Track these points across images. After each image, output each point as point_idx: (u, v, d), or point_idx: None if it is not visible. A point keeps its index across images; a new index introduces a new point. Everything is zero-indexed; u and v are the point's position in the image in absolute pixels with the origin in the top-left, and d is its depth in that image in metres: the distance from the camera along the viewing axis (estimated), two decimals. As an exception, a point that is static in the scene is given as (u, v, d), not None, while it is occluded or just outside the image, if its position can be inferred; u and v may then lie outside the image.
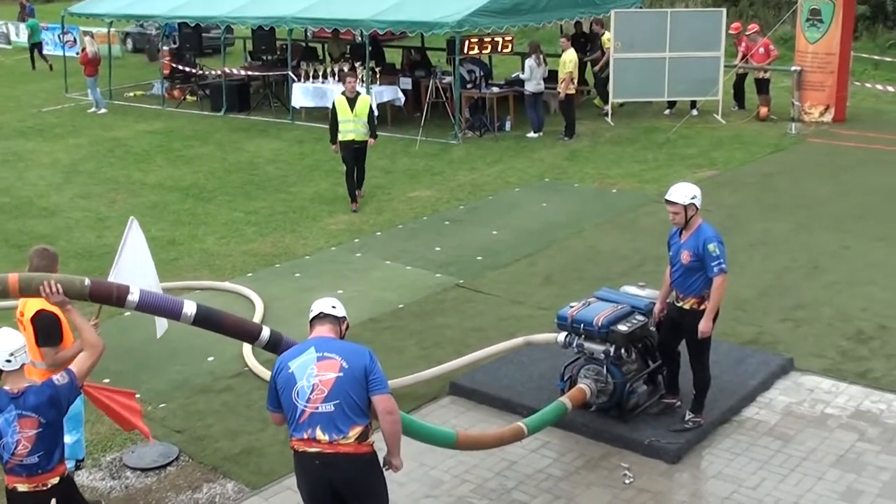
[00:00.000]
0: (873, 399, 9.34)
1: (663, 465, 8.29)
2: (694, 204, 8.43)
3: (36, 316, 7.31)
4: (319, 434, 6.09)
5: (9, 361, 6.07)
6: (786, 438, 8.67)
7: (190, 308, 7.06)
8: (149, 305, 7.04)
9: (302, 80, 23.43)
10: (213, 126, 23.46)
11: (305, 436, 6.13)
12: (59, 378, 6.30)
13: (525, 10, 21.65)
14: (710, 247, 8.29)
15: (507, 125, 21.91)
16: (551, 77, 21.39)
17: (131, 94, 28.30)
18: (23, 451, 6.09)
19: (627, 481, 8.08)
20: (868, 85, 23.56)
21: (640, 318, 8.81)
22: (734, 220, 14.75)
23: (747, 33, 22.54)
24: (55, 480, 6.26)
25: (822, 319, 11.19)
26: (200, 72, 26.82)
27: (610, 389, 8.70)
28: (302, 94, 23.22)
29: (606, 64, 22.36)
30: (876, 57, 26.28)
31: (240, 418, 9.36)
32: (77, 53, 26.35)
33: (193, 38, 26.80)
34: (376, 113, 16.65)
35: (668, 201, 8.51)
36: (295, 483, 6.47)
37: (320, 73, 23.42)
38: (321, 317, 6.48)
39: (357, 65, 22.81)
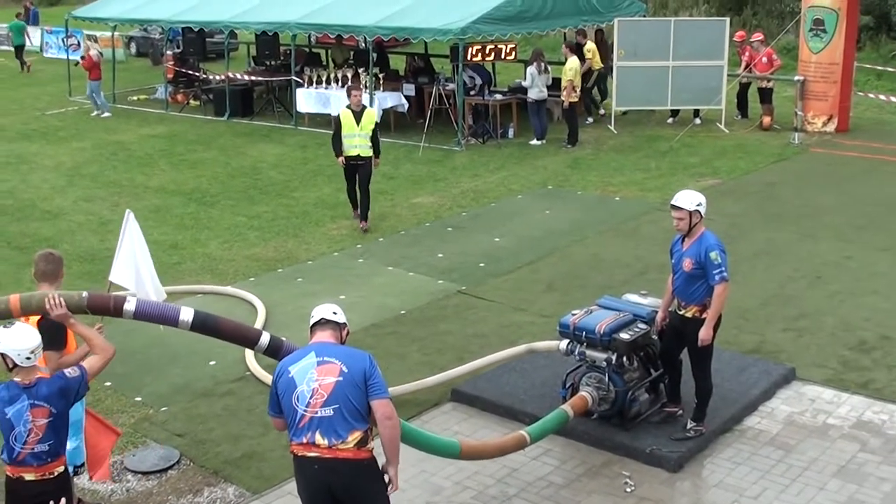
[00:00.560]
0: (875, 409, 9.33)
1: (665, 474, 8.28)
2: (699, 211, 8.43)
3: (42, 319, 7.31)
4: (319, 439, 6.10)
5: (28, 359, 6.21)
6: (787, 448, 8.66)
7: (187, 314, 7.08)
8: (145, 314, 7.08)
9: (305, 85, 23.46)
10: (216, 130, 23.48)
11: (305, 440, 6.13)
12: (70, 371, 6.44)
13: (529, 17, 21.68)
14: (712, 255, 8.30)
15: (510, 132, 21.92)
16: (555, 85, 21.40)
17: (135, 97, 28.32)
18: (34, 440, 6.23)
19: (629, 490, 8.08)
20: (871, 95, 23.57)
21: (643, 326, 8.81)
22: (737, 229, 14.75)
23: (751, 42, 22.57)
24: (60, 469, 6.41)
25: (824, 329, 11.18)
26: (204, 76, 26.86)
27: (612, 397, 8.70)
28: (305, 100, 23.25)
29: (590, 74, 22.34)
30: (879, 67, 26.28)
31: (241, 422, 9.36)
32: (81, 58, 26.30)
33: (197, 43, 26.82)
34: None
35: (673, 206, 8.51)
36: (295, 488, 6.47)
37: (324, 79, 23.44)
38: (322, 323, 6.49)
39: (360, 71, 22.84)
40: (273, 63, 26.43)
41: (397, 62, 27.32)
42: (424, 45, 24.87)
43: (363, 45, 25.36)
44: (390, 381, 6.66)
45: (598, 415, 8.80)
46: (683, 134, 20.97)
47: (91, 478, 8.15)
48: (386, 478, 6.28)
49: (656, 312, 8.93)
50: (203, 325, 7.16)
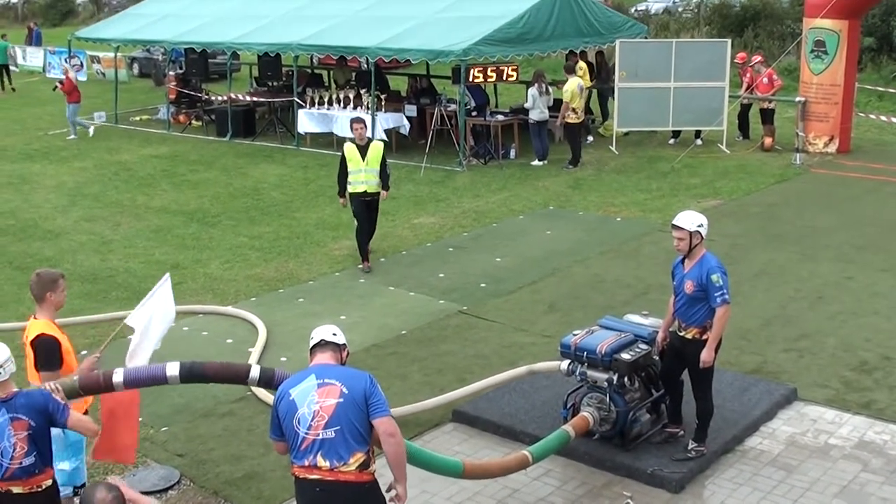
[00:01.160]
0: (877, 430, 9.31)
1: (666, 495, 8.25)
2: (699, 232, 8.44)
3: (36, 339, 7.31)
4: (320, 461, 6.08)
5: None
6: (789, 469, 8.64)
7: (173, 369, 7.13)
8: (134, 381, 7.13)
9: (307, 106, 23.52)
10: (218, 151, 23.53)
11: (307, 463, 6.12)
12: (58, 397, 6.44)
13: (530, 39, 21.76)
14: (714, 277, 8.30)
15: (512, 153, 21.97)
16: (556, 106, 21.48)
17: (137, 118, 28.41)
18: (20, 454, 6.19)
19: (630, 510, 8.06)
20: (872, 116, 23.61)
21: (644, 346, 8.81)
22: (738, 249, 14.76)
23: (751, 64, 22.63)
24: (48, 482, 6.39)
25: (825, 350, 11.17)
26: (206, 97, 26.94)
27: (613, 418, 8.69)
28: (307, 120, 23.31)
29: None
30: (880, 88, 26.35)
31: (242, 443, 9.34)
32: (60, 81, 26.29)
33: (199, 64, 26.92)
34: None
35: (674, 226, 8.52)
36: (296, 509, 6.45)
37: (326, 100, 23.51)
38: (322, 344, 6.48)
39: (362, 92, 22.91)
40: (275, 84, 26.54)
41: (399, 83, 27.40)
42: (426, 66, 24.95)
43: (365, 66, 25.44)
44: (391, 401, 6.64)
45: (599, 435, 8.78)
46: (685, 155, 21.00)
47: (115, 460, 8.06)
48: (392, 492, 6.25)
49: (657, 333, 8.93)
50: (190, 374, 7.22)
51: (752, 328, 11.76)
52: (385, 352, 11.39)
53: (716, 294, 8.29)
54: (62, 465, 7.21)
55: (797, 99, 21.52)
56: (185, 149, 23.85)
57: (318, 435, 6.09)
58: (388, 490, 6.29)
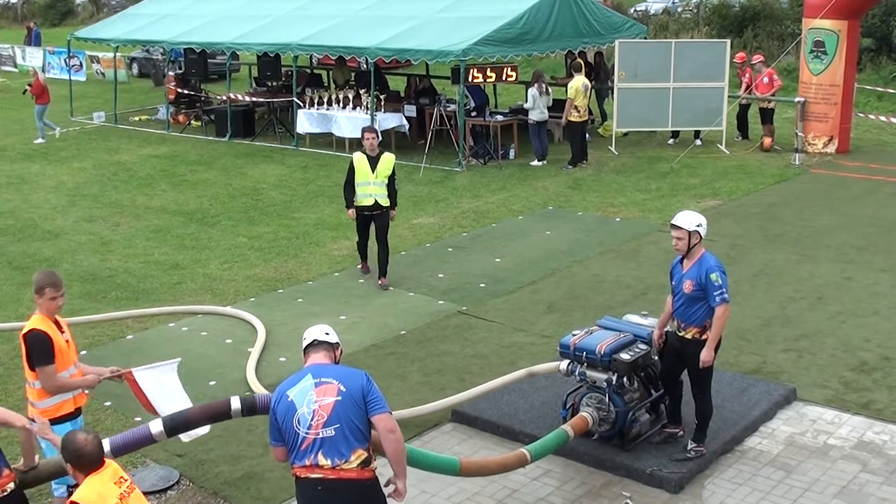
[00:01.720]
0: (876, 430, 9.31)
1: (665, 495, 8.25)
2: (698, 232, 8.44)
3: (28, 333, 7.33)
4: (321, 459, 6.09)
5: None
6: (788, 469, 8.64)
7: (157, 427, 7.18)
8: (122, 447, 7.15)
9: (307, 106, 23.53)
10: (217, 151, 23.52)
11: (308, 462, 6.12)
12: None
13: (529, 39, 21.76)
14: (713, 276, 8.30)
15: (511, 153, 21.97)
16: (556, 106, 21.49)
17: (136, 118, 28.41)
18: None
19: (629, 510, 8.07)
20: (871, 116, 23.62)
21: (643, 346, 8.82)
22: (737, 250, 14.77)
23: (752, 63, 22.64)
24: (12, 485, 6.38)
25: (825, 350, 11.17)
26: (206, 97, 26.93)
27: (612, 418, 8.69)
28: (307, 121, 23.31)
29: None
30: (879, 89, 26.36)
31: (241, 443, 9.34)
32: (29, 84, 26.02)
33: (199, 64, 26.91)
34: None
35: (673, 226, 8.53)
36: (295, 509, 6.45)
37: (325, 100, 23.52)
38: (315, 344, 6.49)
39: (362, 92, 22.92)
40: (275, 84, 26.54)
41: (399, 83, 27.40)
42: (426, 66, 24.95)
43: (365, 66, 25.45)
44: (390, 402, 6.64)
45: (598, 435, 8.79)
46: (684, 155, 21.00)
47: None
48: (391, 487, 6.28)
49: (656, 332, 8.96)
50: (174, 425, 7.26)
51: (751, 328, 11.76)
52: (384, 352, 11.39)
53: (715, 293, 8.29)
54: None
55: (796, 99, 21.52)
56: (184, 149, 23.85)
57: (319, 434, 6.10)
58: (387, 485, 6.30)
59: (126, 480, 5.68)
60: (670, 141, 22.76)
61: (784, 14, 33.98)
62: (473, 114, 21.95)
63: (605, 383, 8.64)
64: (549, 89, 21.57)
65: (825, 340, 11.44)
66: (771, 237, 15.53)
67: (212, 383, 10.57)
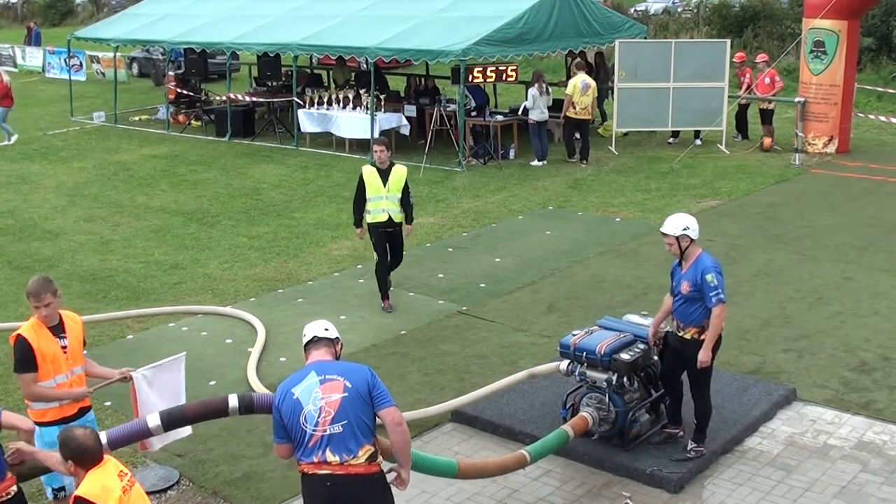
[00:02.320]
0: (876, 430, 9.32)
1: (665, 495, 8.26)
2: (687, 235, 8.47)
3: (14, 338, 7.28)
4: (330, 456, 6.11)
5: None
6: (788, 469, 8.64)
7: (154, 421, 7.12)
8: (119, 440, 7.10)
9: (307, 106, 23.53)
10: (217, 151, 23.52)
11: (316, 459, 6.14)
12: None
13: (529, 39, 21.76)
14: (708, 277, 8.31)
15: (511, 153, 21.98)
16: (556, 106, 21.51)
17: (136, 118, 28.40)
18: None
19: (629, 510, 8.07)
20: (871, 116, 23.63)
21: (643, 346, 8.82)
22: (737, 250, 14.77)
23: (756, 62, 22.65)
24: (15, 488, 6.38)
25: (825, 350, 11.17)
26: (206, 97, 26.92)
27: (612, 418, 8.69)
28: (307, 120, 23.32)
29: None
30: (879, 89, 26.37)
31: (241, 443, 9.34)
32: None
33: (199, 64, 26.91)
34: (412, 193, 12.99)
35: (662, 233, 8.57)
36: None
37: (325, 100, 23.52)
38: (315, 341, 6.50)
39: (362, 92, 22.92)
40: (275, 84, 26.54)
41: (399, 83, 27.40)
42: (426, 66, 24.95)
43: (364, 66, 25.45)
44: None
45: (598, 435, 8.79)
46: (684, 155, 21.00)
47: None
48: (394, 475, 6.35)
49: (656, 331, 8.97)
50: (171, 420, 7.20)
51: (751, 328, 11.76)
52: (384, 352, 11.39)
53: (711, 294, 8.29)
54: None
55: (797, 99, 21.52)
56: (184, 149, 23.84)
57: (326, 431, 6.12)
58: (389, 472, 6.35)
59: (127, 474, 5.69)
60: (670, 140, 22.77)
61: (784, 14, 33.98)
62: (473, 114, 21.96)
63: (605, 383, 8.64)
64: (549, 89, 21.57)
65: (825, 340, 11.44)
66: (771, 237, 15.53)
67: (212, 383, 10.58)
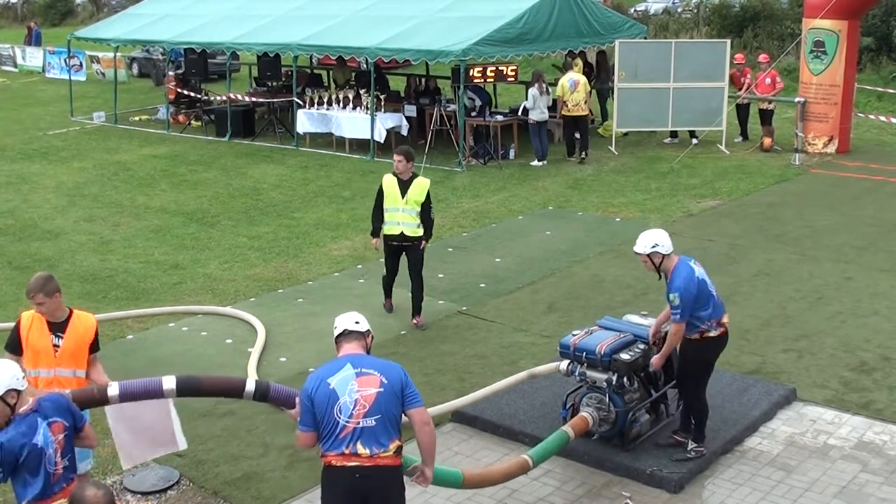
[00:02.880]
0: (876, 430, 9.31)
1: (665, 495, 8.25)
2: (657, 252, 8.50)
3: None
4: (360, 448, 6.21)
5: (21, 381, 6.11)
6: (788, 469, 8.64)
7: (169, 383, 7.10)
8: (131, 394, 7.08)
9: (307, 106, 23.53)
10: (217, 151, 23.52)
11: (346, 451, 6.22)
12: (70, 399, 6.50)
13: (530, 39, 21.77)
14: (671, 297, 8.43)
15: (511, 153, 21.98)
16: (556, 106, 21.54)
17: (136, 118, 28.39)
18: (60, 459, 6.14)
19: (629, 510, 8.07)
20: (871, 116, 23.62)
21: (643, 346, 8.83)
22: (737, 250, 14.77)
23: (759, 61, 22.65)
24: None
25: (825, 350, 11.17)
26: (206, 97, 26.93)
27: (612, 418, 8.69)
28: (307, 121, 23.31)
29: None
30: (880, 89, 26.36)
31: (241, 443, 9.34)
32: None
33: (199, 64, 26.90)
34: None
35: (635, 252, 8.69)
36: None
37: (325, 100, 23.52)
38: (346, 334, 6.61)
39: (362, 92, 22.92)
40: (275, 84, 26.53)
41: (398, 83, 27.40)
42: (426, 66, 24.95)
43: (364, 66, 25.44)
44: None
45: (598, 435, 8.79)
46: (684, 155, 21.00)
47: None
48: (417, 473, 6.58)
49: (657, 332, 8.99)
50: (187, 386, 7.20)
51: (751, 328, 11.76)
52: (385, 352, 11.35)
53: (673, 312, 8.43)
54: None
55: (797, 99, 21.51)
56: (184, 149, 23.84)
57: (359, 423, 6.22)
58: (413, 472, 6.57)
59: None
60: (667, 140, 22.78)
61: (784, 14, 33.97)
62: (473, 114, 21.96)
63: (605, 383, 8.64)
64: (550, 89, 21.58)
65: (825, 340, 11.44)
66: (771, 237, 15.53)
67: (212, 383, 10.55)
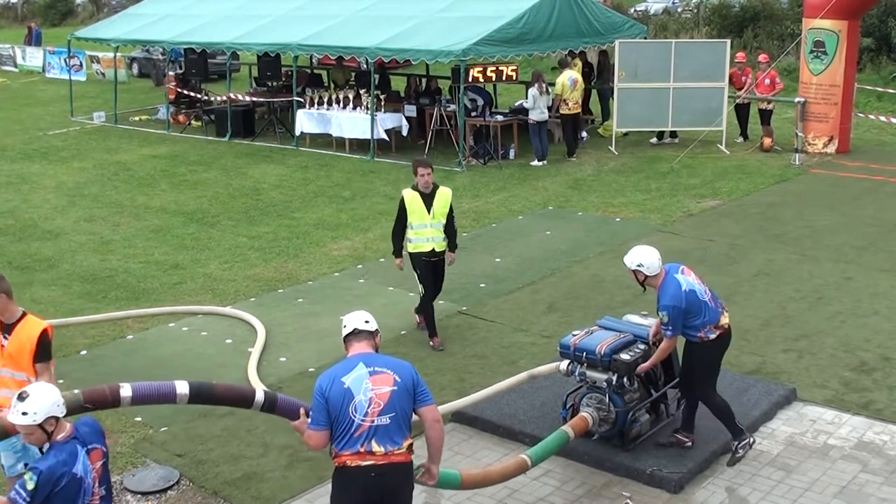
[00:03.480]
0: (876, 430, 9.31)
1: (665, 495, 8.25)
2: (640, 270, 8.51)
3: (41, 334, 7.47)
4: (375, 446, 6.26)
5: (58, 406, 5.89)
6: (788, 469, 8.64)
7: (182, 388, 7.05)
8: (144, 396, 6.98)
9: (307, 106, 23.53)
10: (217, 151, 23.51)
11: (361, 449, 6.25)
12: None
13: (530, 39, 21.76)
14: (660, 315, 8.48)
15: (511, 153, 21.98)
16: (553, 105, 21.58)
17: (136, 118, 28.38)
18: (98, 489, 5.97)
19: (629, 510, 8.07)
20: (871, 116, 23.61)
21: (643, 347, 8.83)
22: (737, 250, 14.77)
23: (759, 61, 22.66)
24: None
25: (825, 350, 11.17)
26: (206, 97, 26.93)
27: (612, 418, 8.69)
28: (307, 121, 23.30)
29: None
30: (879, 89, 26.34)
31: (241, 443, 9.34)
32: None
33: (199, 64, 26.90)
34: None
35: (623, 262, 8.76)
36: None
37: (325, 100, 23.52)
38: (356, 333, 6.63)
39: (362, 92, 22.92)
40: (275, 84, 26.53)
41: (398, 83, 27.40)
42: (426, 66, 24.95)
43: (364, 66, 25.44)
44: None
45: (598, 435, 8.79)
46: (684, 155, 21.00)
47: None
48: (423, 470, 6.66)
49: (657, 332, 9.00)
50: (199, 394, 7.14)
51: (751, 328, 11.76)
52: (385, 352, 11.20)
53: (664, 327, 8.48)
54: None
55: (797, 99, 21.51)
56: (184, 149, 23.84)
57: (374, 422, 6.27)
58: (419, 468, 6.62)
59: None
60: (666, 140, 22.80)
61: (784, 14, 33.95)
62: (474, 114, 21.96)
63: (605, 383, 8.64)
64: (550, 89, 21.58)
65: (825, 340, 11.44)
66: (771, 237, 15.53)
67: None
